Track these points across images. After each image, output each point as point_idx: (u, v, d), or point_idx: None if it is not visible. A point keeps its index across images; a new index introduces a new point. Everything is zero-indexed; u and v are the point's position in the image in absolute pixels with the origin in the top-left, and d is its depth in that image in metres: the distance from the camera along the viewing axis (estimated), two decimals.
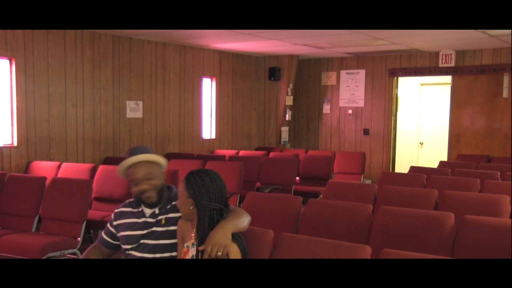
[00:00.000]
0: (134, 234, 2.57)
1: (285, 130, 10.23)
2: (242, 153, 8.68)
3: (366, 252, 2.41)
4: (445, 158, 8.99)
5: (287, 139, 10.32)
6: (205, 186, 2.30)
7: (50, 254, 4.32)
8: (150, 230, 2.55)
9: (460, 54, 8.80)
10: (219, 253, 2.19)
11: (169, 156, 7.97)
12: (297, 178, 7.50)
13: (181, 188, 2.34)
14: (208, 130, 9.46)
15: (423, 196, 4.33)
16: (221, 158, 7.59)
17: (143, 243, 2.55)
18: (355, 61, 9.95)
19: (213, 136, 9.51)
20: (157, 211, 2.59)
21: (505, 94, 8.48)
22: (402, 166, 9.94)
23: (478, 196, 4.29)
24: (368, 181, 9.12)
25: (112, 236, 2.69)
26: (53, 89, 6.80)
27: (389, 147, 9.74)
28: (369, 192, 4.62)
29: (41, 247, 4.23)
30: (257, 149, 9.97)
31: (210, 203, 2.29)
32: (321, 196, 5.50)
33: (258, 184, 7.10)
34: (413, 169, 6.50)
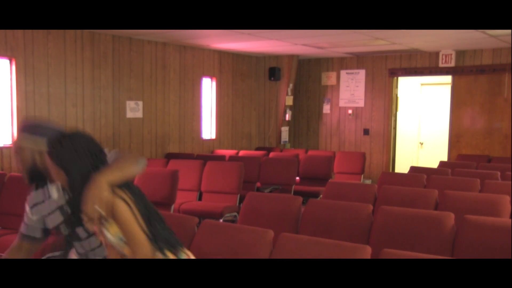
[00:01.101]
0: (58, 216, 2.41)
1: (285, 130, 10.23)
2: (242, 153, 8.68)
3: (366, 252, 2.41)
4: (445, 158, 8.99)
5: (287, 139, 10.32)
6: (66, 148, 2.00)
7: (50, 254, 4.31)
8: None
9: (460, 54, 8.80)
10: (100, 210, 1.91)
11: (169, 156, 7.97)
12: (297, 178, 7.50)
13: (48, 163, 2.06)
14: (208, 130, 9.46)
15: (423, 196, 4.34)
16: (221, 158, 7.59)
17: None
18: (355, 61, 9.95)
19: (213, 136, 9.51)
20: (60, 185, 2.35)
21: (505, 94, 8.49)
22: (402, 166, 9.94)
23: (478, 196, 4.29)
24: (368, 181, 9.12)
25: (38, 222, 2.49)
26: (53, 89, 6.80)
27: (389, 147, 9.74)
28: (369, 192, 4.62)
29: (41, 247, 4.23)
30: (257, 149, 9.97)
31: (79, 163, 2.00)
32: (321, 196, 5.50)
33: (258, 184, 7.10)
34: (413, 169, 6.50)
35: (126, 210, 1.95)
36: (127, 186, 2.02)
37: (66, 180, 2.03)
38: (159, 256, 2.01)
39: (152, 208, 2.08)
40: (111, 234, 2.01)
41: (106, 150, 2.22)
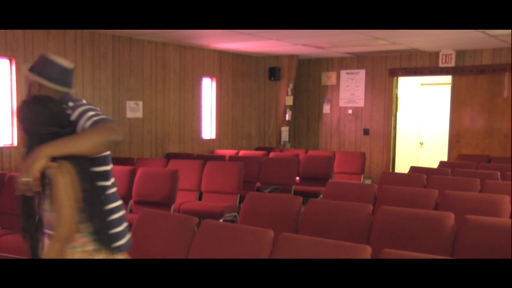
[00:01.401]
0: None
1: (285, 130, 10.23)
2: (242, 153, 8.68)
3: (366, 252, 2.41)
4: (445, 158, 8.99)
5: (287, 139, 10.32)
6: (32, 112, 1.99)
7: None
8: None
9: (460, 54, 8.80)
10: (25, 179, 1.84)
11: (169, 156, 7.97)
12: (297, 178, 7.50)
13: (18, 124, 2.08)
14: (208, 130, 9.46)
15: (423, 196, 4.33)
16: (221, 158, 7.59)
17: None
18: (355, 61, 9.95)
19: (213, 136, 9.51)
20: None
21: (505, 94, 8.49)
22: (402, 166, 9.94)
23: (478, 196, 4.29)
24: (368, 181, 9.12)
25: None
26: None
27: (389, 147, 9.73)
28: (369, 192, 4.62)
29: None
30: (257, 149, 9.97)
31: (39, 128, 1.97)
32: (321, 196, 5.50)
33: (258, 184, 7.10)
34: (413, 169, 6.50)
35: (59, 183, 1.91)
36: (77, 161, 1.97)
37: (26, 141, 2.03)
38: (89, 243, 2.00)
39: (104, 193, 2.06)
40: (47, 208, 1.99)
41: (92, 113, 2.12)
